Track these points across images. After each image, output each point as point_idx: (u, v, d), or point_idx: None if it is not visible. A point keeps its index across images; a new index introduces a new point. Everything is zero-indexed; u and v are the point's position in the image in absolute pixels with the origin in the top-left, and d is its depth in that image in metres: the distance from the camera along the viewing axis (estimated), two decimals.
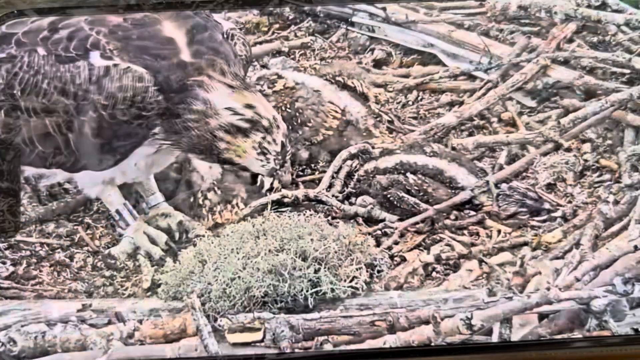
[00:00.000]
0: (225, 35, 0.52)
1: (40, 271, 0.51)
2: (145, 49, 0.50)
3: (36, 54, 0.50)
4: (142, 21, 0.51)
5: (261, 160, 0.51)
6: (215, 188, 0.55)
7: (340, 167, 0.55)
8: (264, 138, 0.50)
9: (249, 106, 0.50)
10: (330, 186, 0.55)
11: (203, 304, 0.48)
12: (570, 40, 0.58)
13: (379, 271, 0.50)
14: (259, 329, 0.47)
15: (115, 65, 0.49)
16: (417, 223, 0.53)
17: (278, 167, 0.51)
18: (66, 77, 0.49)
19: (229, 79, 0.50)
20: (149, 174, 0.54)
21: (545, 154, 0.55)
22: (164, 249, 0.53)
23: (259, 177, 0.54)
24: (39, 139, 0.50)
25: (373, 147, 0.55)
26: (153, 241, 0.53)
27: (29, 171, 0.52)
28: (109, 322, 0.48)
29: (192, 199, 0.54)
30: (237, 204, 0.54)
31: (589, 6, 0.58)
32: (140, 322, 0.48)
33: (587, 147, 0.55)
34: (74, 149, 0.50)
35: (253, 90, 0.51)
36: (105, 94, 0.49)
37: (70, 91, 0.49)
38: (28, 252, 0.52)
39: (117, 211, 0.53)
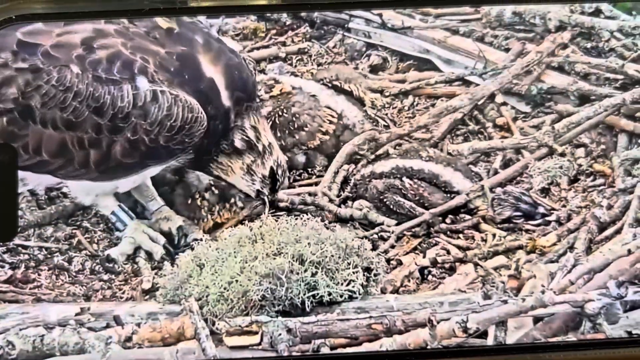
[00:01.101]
0: (248, 67, 0.54)
1: (39, 275, 0.52)
2: (189, 83, 0.50)
3: (69, 71, 0.50)
4: (182, 54, 0.51)
5: (247, 181, 0.52)
6: (213, 187, 0.55)
7: (341, 165, 0.55)
8: (253, 161, 0.52)
9: (254, 128, 0.52)
10: (329, 188, 0.55)
11: (201, 308, 0.49)
12: (565, 46, 0.58)
13: (375, 275, 0.51)
14: (256, 333, 0.48)
15: (162, 92, 0.50)
16: (413, 227, 0.53)
17: (265, 191, 0.53)
18: (105, 98, 0.49)
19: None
20: (139, 182, 0.54)
21: (539, 159, 0.56)
22: (164, 249, 0.53)
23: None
24: (50, 150, 0.50)
25: (380, 133, 0.55)
26: (153, 240, 0.53)
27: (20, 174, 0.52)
28: (107, 326, 0.49)
29: (189, 201, 0.54)
30: (235, 202, 0.54)
31: (582, 13, 0.59)
32: (139, 325, 0.48)
33: (581, 151, 0.56)
34: (90, 164, 0.50)
35: (260, 115, 0.53)
36: (151, 119, 0.49)
37: (107, 112, 0.49)
38: (26, 256, 0.52)
39: (114, 212, 0.53)
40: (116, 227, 0.53)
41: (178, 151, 0.51)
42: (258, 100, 0.54)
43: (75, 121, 0.50)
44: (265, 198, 0.53)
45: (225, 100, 0.51)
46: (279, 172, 0.53)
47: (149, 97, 0.49)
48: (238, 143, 0.52)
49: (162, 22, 0.53)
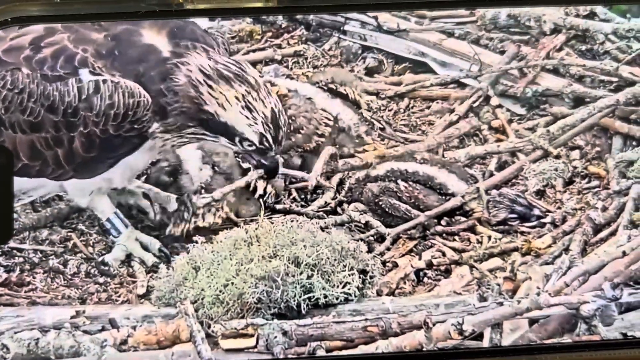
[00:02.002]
0: (205, 31, 0.53)
1: (34, 278, 0.51)
2: (129, 60, 0.50)
3: (20, 73, 0.50)
4: (122, 34, 0.51)
5: (247, 118, 0.50)
6: (204, 191, 0.55)
7: (333, 175, 0.55)
8: (248, 92, 0.50)
9: (236, 62, 0.51)
10: (323, 192, 0.55)
11: (196, 310, 0.48)
12: (560, 49, 0.59)
13: (371, 277, 0.51)
14: (252, 335, 0.48)
15: (104, 81, 0.50)
16: (408, 229, 0.53)
17: (269, 137, 0.50)
18: (54, 95, 0.50)
19: (212, 54, 0.50)
20: (132, 179, 0.54)
21: (534, 161, 0.56)
22: (157, 255, 0.53)
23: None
24: (26, 154, 0.51)
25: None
26: (145, 248, 0.53)
27: (18, 181, 0.52)
28: (103, 329, 0.48)
29: (183, 207, 0.54)
30: (222, 207, 0.54)
31: (577, 15, 0.59)
32: (134, 328, 0.48)
33: (575, 154, 0.56)
34: (62, 163, 0.51)
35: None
36: (96, 110, 0.50)
37: (58, 109, 0.50)
38: (21, 259, 0.52)
39: (109, 219, 0.53)
40: (110, 234, 0.53)
41: (134, 138, 0.50)
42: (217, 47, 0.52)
43: (35, 122, 0.50)
44: (269, 145, 0.51)
45: (165, 52, 0.51)
46: (281, 118, 0.51)
47: (91, 89, 0.50)
48: (222, 70, 0.50)
49: None
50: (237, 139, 0.51)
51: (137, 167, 0.54)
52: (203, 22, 0.55)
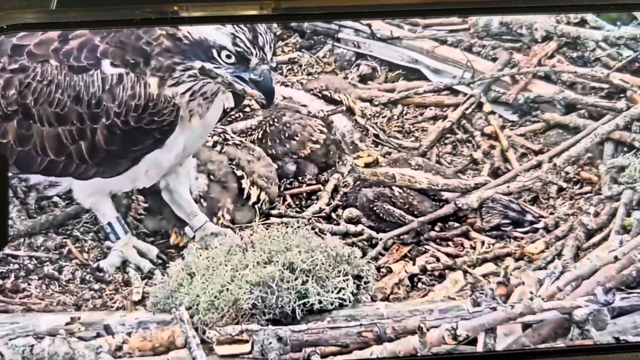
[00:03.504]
0: None
1: (29, 284, 0.51)
2: (138, 49, 0.51)
3: (49, 65, 0.51)
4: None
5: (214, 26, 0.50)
6: (202, 200, 0.55)
7: (328, 180, 0.56)
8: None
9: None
10: (318, 198, 0.55)
11: (191, 316, 0.49)
12: (551, 56, 0.59)
13: (365, 282, 0.51)
14: (247, 341, 0.48)
15: (127, 73, 0.50)
16: (402, 235, 0.54)
17: (243, 37, 0.50)
18: (80, 86, 0.50)
19: None
20: (156, 179, 0.54)
21: (527, 170, 0.56)
22: (155, 262, 0.53)
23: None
24: (52, 148, 0.51)
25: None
26: (143, 254, 0.53)
27: (34, 179, 0.53)
28: (98, 335, 0.48)
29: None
30: (222, 215, 0.54)
31: (568, 23, 0.59)
32: (129, 334, 0.48)
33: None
34: (86, 157, 0.51)
35: None
36: (118, 101, 0.50)
37: (83, 99, 0.50)
38: (16, 265, 0.52)
39: (109, 224, 0.54)
40: (109, 238, 0.53)
41: (156, 132, 0.51)
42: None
43: (61, 114, 0.51)
44: (245, 47, 0.50)
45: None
46: (259, 26, 0.50)
47: (114, 80, 0.50)
48: None
49: None
50: (214, 53, 0.51)
51: (161, 165, 0.53)
52: None
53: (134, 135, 0.51)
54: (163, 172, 0.54)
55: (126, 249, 0.53)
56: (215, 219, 0.54)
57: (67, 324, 0.49)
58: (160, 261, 0.53)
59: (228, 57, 0.51)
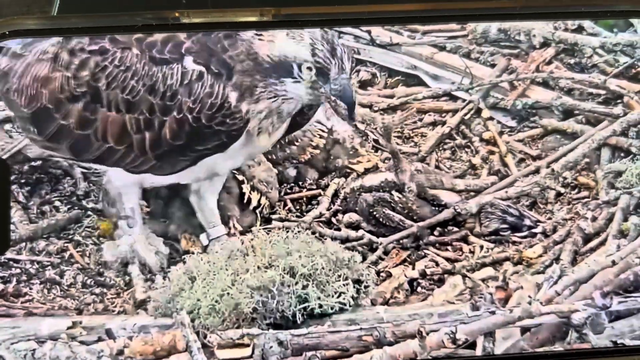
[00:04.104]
0: None
1: (30, 289, 0.52)
2: (222, 61, 0.51)
3: (129, 52, 0.51)
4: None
5: (292, 39, 0.51)
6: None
7: (328, 185, 0.56)
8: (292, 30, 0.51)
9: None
10: (318, 203, 0.56)
11: (192, 321, 0.49)
12: (549, 62, 0.60)
13: (365, 287, 0.51)
14: (248, 345, 0.48)
15: (208, 71, 0.51)
16: (401, 239, 0.54)
17: (322, 48, 0.51)
18: (157, 76, 0.51)
19: None
20: (201, 181, 0.54)
21: (526, 175, 0.56)
22: (162, 262, 0.53)
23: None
24: (114, 135, 0.51)
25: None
26: (154, 252, 0.53)
27: (80, 167, 0.53)
28: (99, 339, 0.49)
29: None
30: (234, 224, 0.54)
31: (566, 30, 0.60)
32: (130, 338, 0.49)
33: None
34: (146, 149, 0.51)
35: None
36: (194, 97, 0.50)
37: (159, 90, 0.51)
38: (18, 270, 0.52)
39: (132, 208, 0.53)
40: (128, 224, 0.53)
41: (223, 134, 0.51)
42: None
43: (132, 101, 0.51)
44: (324, 58, 0.51)
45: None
46: (334, 37, 0.51)
47: (194, 76, 0.51)
48: None
49: None
50: (295, 68, 0.51)
51: (214, 170, 0.53)
52: None
53: (201, 134, 0.51)
54: (212, 176, 0.54)
55: (139, 240, 0.53)
56: (226, 229, 0.54)
57: (68, 328, 0.49)
58: (170, 260, 0.52)
59: (309, 69, 0.51)
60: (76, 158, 0.52)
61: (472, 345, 0.48)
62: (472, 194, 0.55)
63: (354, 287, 0.50)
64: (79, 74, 0.51)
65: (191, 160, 0.52)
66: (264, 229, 0.53)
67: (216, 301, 0.49)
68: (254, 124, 0.52)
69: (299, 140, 0.58)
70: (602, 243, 0.53)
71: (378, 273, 0.52)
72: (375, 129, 0.56)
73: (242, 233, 0.53)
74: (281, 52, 0.51)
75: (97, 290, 0.52)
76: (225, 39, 0.52)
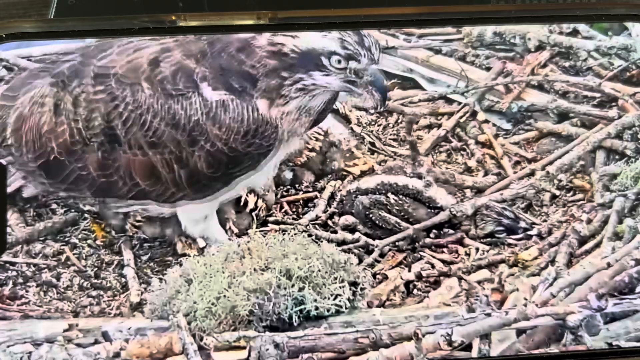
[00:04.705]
0: None
1: (27, 291, 0.52)
2: (243, 74, 0.51)
3: (141, 90, 0.50)
4: (227, 49, 0.51)
5: (319, 33, 0.50)
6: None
7: (324, 188, 0.56)
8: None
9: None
10: (314, 205, 0.56)
11: (189, 323, 0.49)
12: (544, 66, 0.60)
13: (361, 289, 0.51)
14: (244, 348, 0.48)
15: (232, 99, 0.50)
16: (397, 242, 0.54)
17: (350, 40, 0.50)
18: (178, 111, 0.49)
19: None
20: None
21: (521, 178, 0.57)
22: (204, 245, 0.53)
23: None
24: (140, 174, 0.50)
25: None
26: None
27: (106, 204, 0.52)
28: (96, 342, 0.49)
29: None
30: (230, 227, 0.54)
31: (560, 33, 0.60)
32: (127, 341, 0.49)
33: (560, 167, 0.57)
34: (179, 182, 0.50)
35: None
36: (221, 125, 0.50)
37: (183, 125, 0.50)
38: (14, 273, 0.52)
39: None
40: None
41: (260, 156, 0.51)
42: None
43: (157, 140, 0.50)
44: (354, 49, 0.50)
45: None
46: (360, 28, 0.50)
47: (216, 103, 0.50)
48: None
49: None
50: (324, 61, 0.50)
51: (255, 185, 0.54)
52: None
53: (235, 158, 0.50)
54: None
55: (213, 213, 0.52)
56: (228, 234, 0.54)
57: (65, 330, 0.49)
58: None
59: (338, 62, 0.50)
60: (97, 197, 0.51)
61: (468, 347, 0.48)
62: (476, 192, 0.55)
63: (350, 289, 0.50)
64: (91, 123, 0.50)
65: (226, 183, 0.52)
66: (260, 231, 0.53)
67: (212, 303, 0.49)
68: (284, 129, 0.52)
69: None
70: (597, 245, 0.53)
71: (374, 275, 0.52)
72: (397, 121, 0.56)
73: (238, 235, 0.53)
74: (308, 45, 0.50)
75: (94, 293, 0.52)
76: (239, 52, 0.51)
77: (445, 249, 0.54)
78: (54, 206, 0.55)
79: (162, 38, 0.52)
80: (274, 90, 0.51)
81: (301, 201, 0.56)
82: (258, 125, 0.50)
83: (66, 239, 0.54)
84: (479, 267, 0.53)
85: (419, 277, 0.52)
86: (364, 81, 0.51)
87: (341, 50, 0.50)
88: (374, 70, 0.51)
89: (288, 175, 0.57)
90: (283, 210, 0.55)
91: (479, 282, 0.52)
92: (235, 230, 0.54)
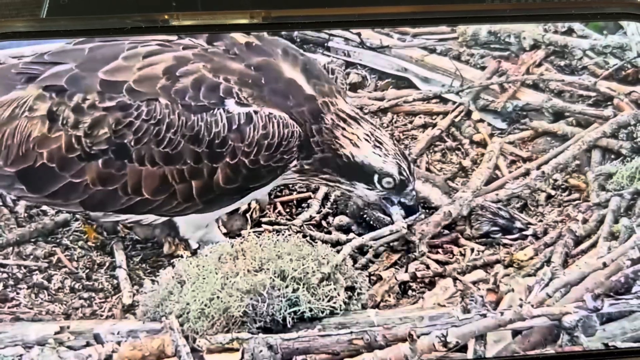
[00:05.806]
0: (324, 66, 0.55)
1: (18, 293, 0.51)
2: (276, 92, 0.50)
3: (157, 103, 0.49)
4: (264, 66, 0.51)
5: (380, 154, 0.51)
6: None
7: (318, 188, 0.56)
8: (373, 130, 0.51)
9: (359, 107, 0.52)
10: (308, 206, 0.55)
11: (182, 325, 0.48)
12: (539, 65, 0.60)
13: (356, 290, 0.51)
14: (237, 349, 0.48)
15: (256, 112, 0.49)
16: (392, 242, 0.54)
17: (405, 167, 0.51)
18: (200, 125, 0.48)
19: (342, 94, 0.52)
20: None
21: (516, 177, 0.56)
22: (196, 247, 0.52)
23: (398, 229, 0.54)
24: (150, 188, 0.49)
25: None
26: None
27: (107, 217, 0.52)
28: (87, 344, 0.48)
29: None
30: (219, 226, 0.54)
31: (555, 32, 0.60)
32: (119, 343, 0.48)
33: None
34: (191, 195, 0.49)
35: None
36: (248, 140, 0.49)
37: (204, 139, 0.49)
38: (5, 275, 0.52)
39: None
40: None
41: (279, 169, 0.50)
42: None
43: (172, 154, 0.49)
44: (407, 175, 0.51)
45: (308, 90, 0.51)
46: (405, 151, 0.52)
47: (243, 119, 0.49)
48: (350, 111, 0.51)
49: (241, 37, 0.53)
50: (375, 178, 0.51)
51: (258, 199, 0.53)
52: (322, 58, 0.58)
53: (259, 173, 0.50)
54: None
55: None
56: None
57: (56, 333, 0.48)
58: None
59: (388, 183, 0.51)
60: (96, 210, 0.50)
61: (463, 349, 0.48)
62: (463, 195, 0.55)
63: (345, 290, 0.50)
64: (94, 132, 0.49)
65: (242, 196, 0.51)
66: (254, 232, 0.53)
67: (206, 305, 0.49)
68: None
69: None
70: (593, 245, 0.53)
71: (369, 276, 0.52)
72: (391, 121, 0.56)
73: (232, 236, 0.53)
74: (366, 159, 0.51)
75: (86, 295, 0.51)
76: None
77: (440, 250, 0.54)
78: (45, 207, 0.54)
79: (170, 45, 0.51)
80: (310, 170, 0.51)
81: (295, 202, 0.56)
82: (283, 139, 0.49)
83: (57, 240, 0.54)
84: (474, 268, 0.52)
85: (413, 277, 0.52)
86: (401, 202, 0.53)
87: (398, 176, 0.52)
88: (412, 193, 0.53)
89: None
90: (277, 211, 0.55)
91: (474, 283, 0.52)
92: (224, 230, 0.54)
